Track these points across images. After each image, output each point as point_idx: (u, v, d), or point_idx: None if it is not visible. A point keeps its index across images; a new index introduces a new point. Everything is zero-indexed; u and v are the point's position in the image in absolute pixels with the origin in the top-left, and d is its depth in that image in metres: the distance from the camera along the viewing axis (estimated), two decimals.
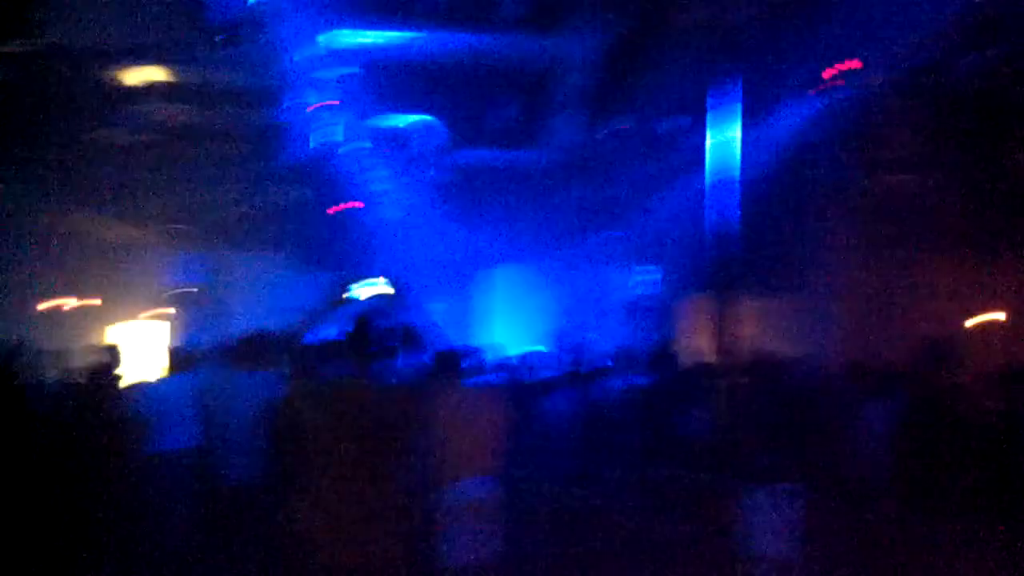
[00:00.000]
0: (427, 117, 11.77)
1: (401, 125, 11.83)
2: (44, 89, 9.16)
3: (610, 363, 8.26)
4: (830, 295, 10.99)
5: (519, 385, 7.89)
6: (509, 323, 17.40)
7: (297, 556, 4.08)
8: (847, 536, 5.04)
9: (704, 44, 7.33)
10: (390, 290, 4.12)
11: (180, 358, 9.10)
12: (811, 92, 8.42)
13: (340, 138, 10.25)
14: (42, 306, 14.28)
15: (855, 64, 7.93)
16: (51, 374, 6.96)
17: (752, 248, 8.94)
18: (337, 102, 9.39)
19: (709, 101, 6.93)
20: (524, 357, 10.49)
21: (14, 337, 7.41)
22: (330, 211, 10.85)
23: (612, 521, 6.02)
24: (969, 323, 10.34)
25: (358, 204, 11.59)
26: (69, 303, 15.16)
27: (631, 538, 5.85)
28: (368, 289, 4.10)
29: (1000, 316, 10.44)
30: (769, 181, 9.61)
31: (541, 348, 13.37)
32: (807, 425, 5.83)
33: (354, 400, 4.00)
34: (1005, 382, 5.50)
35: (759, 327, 9.94)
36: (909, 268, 10.69)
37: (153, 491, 5.97)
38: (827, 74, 8.07)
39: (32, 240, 13.74)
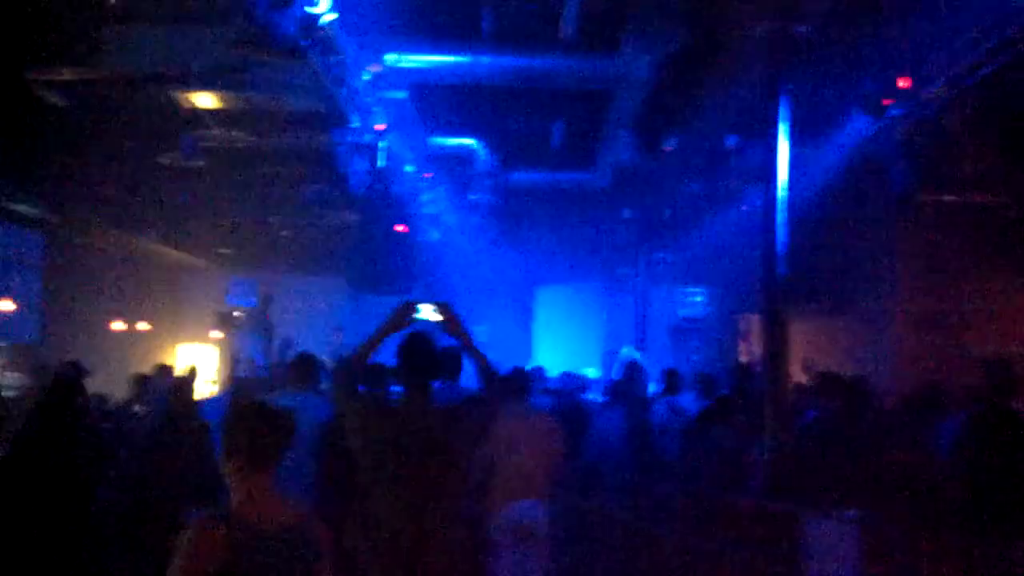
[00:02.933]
0: (478, 140, 11.81)
1: (453, 148, 11.88)
2: (103, 115, 9.32)
3: (661, 385, 8.18)
4: (889, 315, 10.80)
5: (569, 407, 7.83)
6: (559, 345, 17.39)
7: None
8: (912, 564, 4.90)
9: (758, 63, 7.25)
10: (440, 316, 4.07)
11: (233, 379, 9.25)
12: (868, 109, 8.28)
13: (392, 162, 10.29)
14: (99, 327, 14.51)
15: (913, 80, 7.79)
16: (110, 395, 7.07)
17: (807, 268, 8.79)
18: (384, 126, 9.43)
19: (764, 120, 6.84)
20: (574, 379, 10.43)
21: (72, 357, 7.55)
22: (387, 232, 10.89)
23: (666, 547, 5.92)
24: None
25: (405, 228, 11.64)
26: (128, 325, 15.41)
27: (686, 564, 5.75)
28: (424, 312, 4.06)
29: None
30: (825, 200, 9.48)
31: (591, 370, 13.32)
32: (866, 448, 5.70)
33: (408, 422, 3.97)
34: None
35: (814, 348, 9.79)
36: (971, 287, 10.47)
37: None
38: (885, 90, 7.93)
39: (89, 262, 14.00)
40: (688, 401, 7.78)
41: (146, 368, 9.00)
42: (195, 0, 7.55)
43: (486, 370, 4.06)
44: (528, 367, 6.99)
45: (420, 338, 4.08)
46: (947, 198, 9.76)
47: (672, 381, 7.90)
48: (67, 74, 8.39)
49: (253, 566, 2.65)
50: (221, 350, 16.14)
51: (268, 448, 2.82)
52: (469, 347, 4.11)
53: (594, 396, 9.40)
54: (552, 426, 5.69)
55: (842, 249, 10.95)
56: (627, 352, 14.05)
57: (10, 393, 9.49)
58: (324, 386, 6.38)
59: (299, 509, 2.87)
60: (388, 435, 3.93)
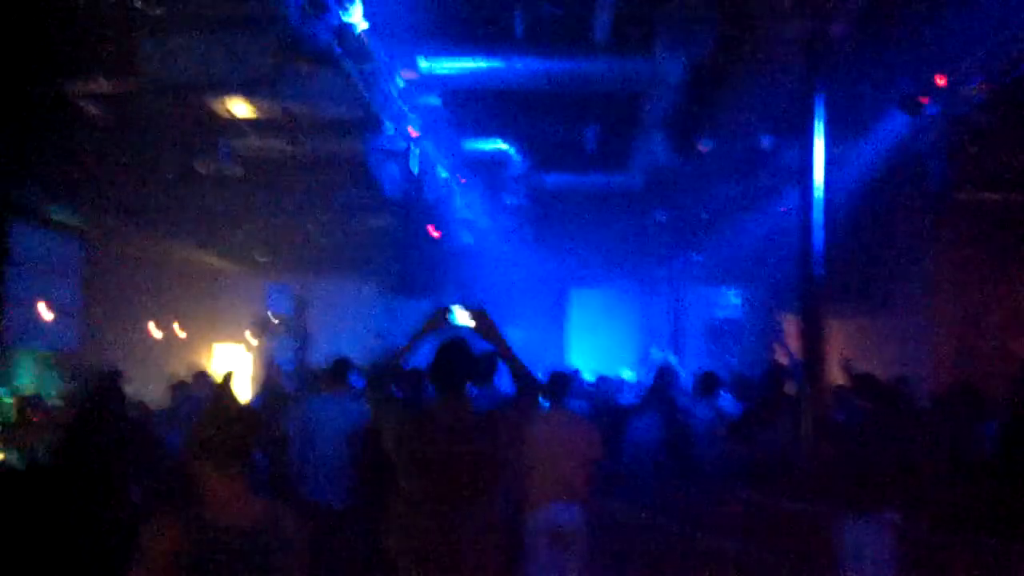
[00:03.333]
0: (511, 144, 11.81)
1: (486, 152, 11.89)
2: (141, 124, 9.44)
3: (695, 387, 8.13)
4: (927, 315, 10.67)
5: (605, 410, 7.81)
6: (594, 347, 17.35)
7: None
8: (949, 567, 4.84)
9: (791, 63, 7.21)
10: (475, 320, 4.08)
11: (269, 384, 9.32)
12: (905, 107, 8.20)
13: (426, 167, 10.34)
14: (137, 333, 14.68)
15: (949, 77, 7.70)
16: (149, 400, 7.15)
17: (844, 268, 8.69)
18: (418, 132, 9.47)
19: (800, 119, 6.80)
20: (609, 382, 10.40)
21: (111, 364, 7.66)
22: (422, 237, 10.95)
23: (701, 550, 5.88)
24: None
25: (439, 232, 11.69)
26: (165, 331, 15.58)
27: (720, 567, 5.71)
28: (459, 316, 4.07)
29: None
30: (862, 199, 9.40)
31: (625, 372, 13.28)
32: (902, 450, 5.63)
33: (443, 427, 3.98)
34: None
35: (852, 349, 9.69)
36: (1010, 286, 10.32)
37: None
38: (922, 88, 7.85)
39: (127, 268, 14.17)
40: (725, 403, 7.73)
41: (183, 374, 9.11)
42: (231, 10, 7.62)
43: (521, 374, 4.06)
44: (563, 370, 6.98)
45: (455, 343, 4.09)
46: (985, 196, 9.64)
47: (709, 383, 7.85)
48: (105, 85, 8.51)
49: (223, 563, 2.69)
50: (256, 355, 16.29)
51: (236, 447, 2.85)
52: (504, 351, 4.11)
53: (630, 399, 9.38)
54: (588, 429, 5.68)
55: (879, 248, 10.84)
56: (656, 354, 13.98)
57: (52, 400, 9.66)
58: (360, 390, 6.42)
59: (269, 505, 2.93)
60: (423, 439, 3.94)
